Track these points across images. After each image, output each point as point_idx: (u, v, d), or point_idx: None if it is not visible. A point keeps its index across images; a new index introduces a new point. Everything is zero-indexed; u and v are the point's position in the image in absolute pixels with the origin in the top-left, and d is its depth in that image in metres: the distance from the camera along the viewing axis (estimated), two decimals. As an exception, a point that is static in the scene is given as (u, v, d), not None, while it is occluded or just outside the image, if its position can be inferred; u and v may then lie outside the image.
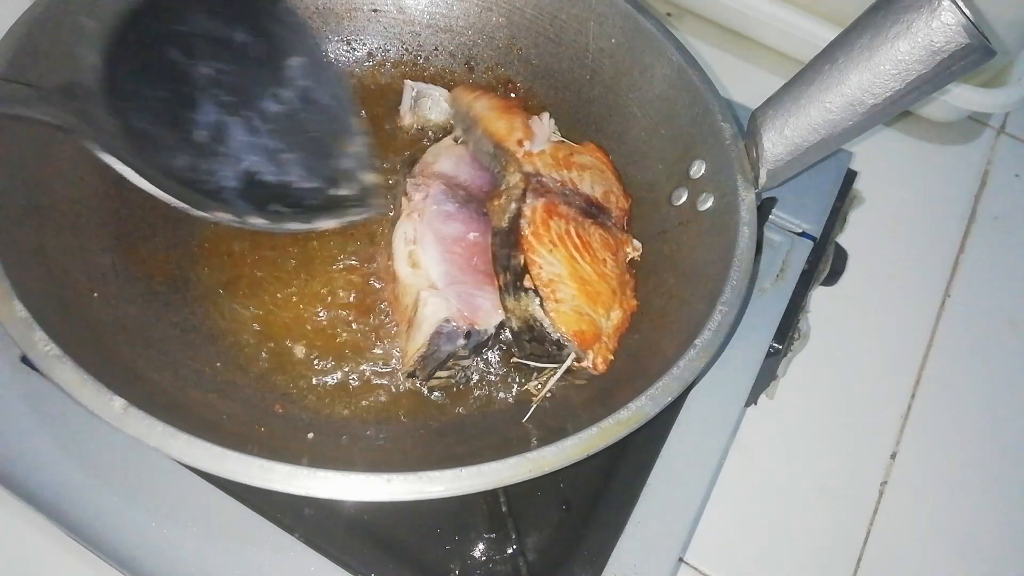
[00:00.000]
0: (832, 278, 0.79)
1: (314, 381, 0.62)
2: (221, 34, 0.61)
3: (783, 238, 0.74)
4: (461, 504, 0.60)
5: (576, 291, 0.59)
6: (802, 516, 0.76)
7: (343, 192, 0.63)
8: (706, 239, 0.62)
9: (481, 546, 0.60)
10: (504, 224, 0.62)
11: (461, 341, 0.59)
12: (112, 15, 0.56)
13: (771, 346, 0.69)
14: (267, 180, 0.60)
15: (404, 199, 0.66)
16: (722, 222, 0.60)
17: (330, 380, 0.62)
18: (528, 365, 0.61)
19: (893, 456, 0.80)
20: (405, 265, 0.62)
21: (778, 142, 0.58)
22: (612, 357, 0.59)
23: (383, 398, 0.62)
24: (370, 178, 0.64)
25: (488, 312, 0.61)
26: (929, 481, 0.79)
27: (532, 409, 0.60)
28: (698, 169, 0.64)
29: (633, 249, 0.65)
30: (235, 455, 0.45)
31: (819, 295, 0.84)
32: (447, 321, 0.58)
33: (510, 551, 0.59)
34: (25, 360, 0.62)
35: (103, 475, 0.58)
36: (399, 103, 0.75)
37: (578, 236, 0.62)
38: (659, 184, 0.68)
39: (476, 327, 0.59)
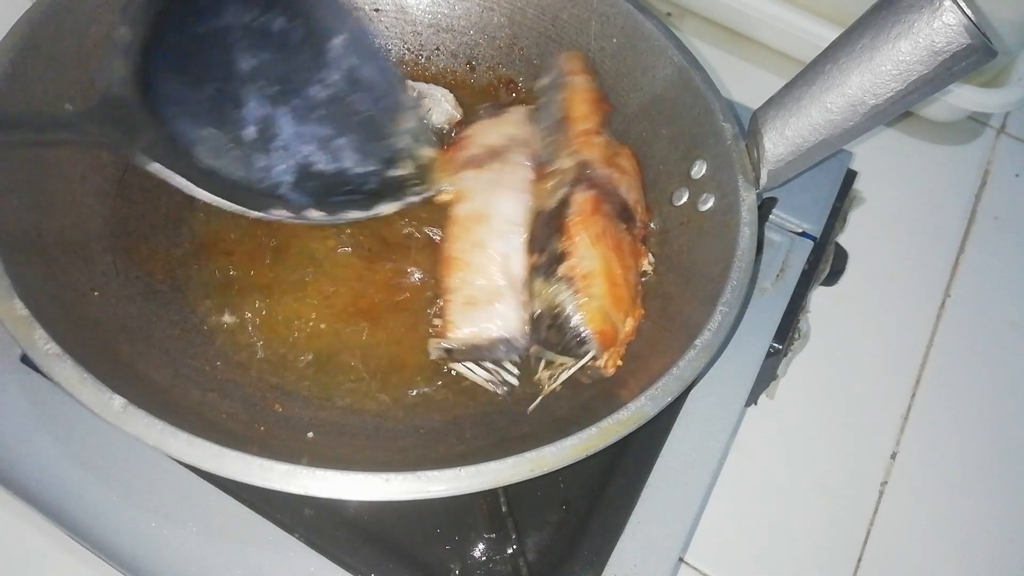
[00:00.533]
0: (832, 278, 0.79)
1: (314, 380, 0.61)
2: (259, 24, 0.58)
3: (783, 238, 0.74)
4: (461, 504, 0.60)
5: (606, 291, 0.58)
6: (802, 516, 0.76)
7: (401, 172, 0.60)
8: (707, 239, 0.62)
9: (481, 546, 0.60)
10: (552, 205, 0.61)
11: (515, 357, 0.59)
12: (145, 19, 0.53)
13: (771, 346, 0.69)
14: (322, 170, 0.58)
15: (499, 163, 0.63)
16: (723, 222, 0.60)
17: (330, 379, 0.62)
18: (541, 357, 0.61)
19: (893, 456, 0.80)
20: (499, 242, 0.59)
21: (779, 142, 0.58)
22: (620, 363, 0.59)
23: (383, 398, 0.61)
24: (428, 153, 0.62)
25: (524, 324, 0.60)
26: (929, 481, 0.79)
27: (539, 400, 0.59)
28: (699, 169, 0.64)
29: (648, 263, 0.65)
30: (235, 454, 0.45)
31: (819, 295, 0.84)
32: (513, 336, 0.58)
33: (510, 551, 0.59)
34: (25, 360, 0.62)
35: (103, 475, 0.58)
36: (399, 102, 0.75)
37: (613, 237, 0.61)
38: (660, 184, 0.68)
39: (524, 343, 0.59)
